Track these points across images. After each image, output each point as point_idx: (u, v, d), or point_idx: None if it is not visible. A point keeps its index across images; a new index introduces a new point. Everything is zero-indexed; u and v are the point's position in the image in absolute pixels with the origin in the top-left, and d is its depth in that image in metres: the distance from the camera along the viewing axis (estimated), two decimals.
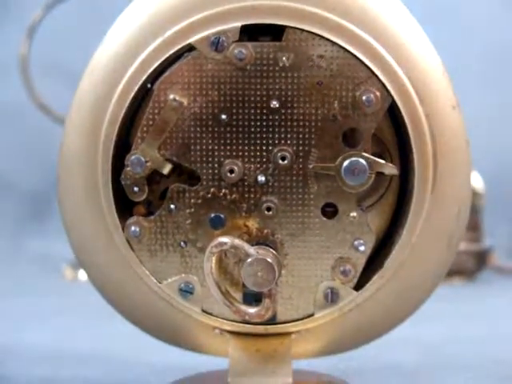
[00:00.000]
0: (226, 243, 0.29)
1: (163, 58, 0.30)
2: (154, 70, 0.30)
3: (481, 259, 0.78)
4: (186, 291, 0.31)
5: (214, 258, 0.29)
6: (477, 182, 0.81)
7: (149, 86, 0.31)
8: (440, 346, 0.47)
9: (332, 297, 0.31)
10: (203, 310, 0.32)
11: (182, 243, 0.31)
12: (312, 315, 0.32)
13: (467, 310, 0.60)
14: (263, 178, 0.30)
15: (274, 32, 0.30)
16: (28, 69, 0.84)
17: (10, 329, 0.56)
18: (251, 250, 0.29)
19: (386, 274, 0.32)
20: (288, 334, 0.33)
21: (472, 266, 0.76)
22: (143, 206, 0.32)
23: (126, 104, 0.30)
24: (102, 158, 0.31)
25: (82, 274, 0.81)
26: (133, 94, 0.30)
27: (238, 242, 0.29)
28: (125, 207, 0.32)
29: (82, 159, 0.32)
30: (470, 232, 0.76)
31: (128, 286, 0.33)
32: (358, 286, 0.31)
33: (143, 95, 0.31)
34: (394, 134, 0.31)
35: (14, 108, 1.02)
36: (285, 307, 0.32)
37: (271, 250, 0.30)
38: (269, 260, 0.28)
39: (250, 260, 0.28)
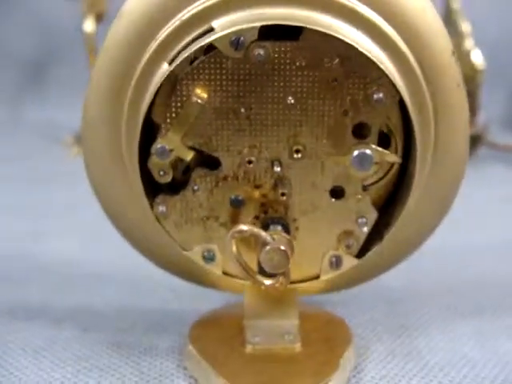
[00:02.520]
0: (245, 231, 0.33)
1: (183, 43, 0.32)
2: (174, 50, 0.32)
3: (476, 141, 0.81)
4: (209, 258, 0.36)
5: (234, 241, 0.33)
6: (477, 58, 0.82)
7: (167, 66, 0.32)
8: (428, 260, 0.52)
9: (336, 263, 0.36)
10: (224, 272, 0.36)
11: (204, 218, 0.35)
12: (318, 277, 0.36)
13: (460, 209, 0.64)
14: (278, 168, 0.33)
15: (292, 29, 0.32)
16: None
17: (16, 231, 0.60)
18: (268, 237, 0.33)
19: (385, 242, 0.36)
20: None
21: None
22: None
23: (148, 93, 0.32)
24: (127, 143, 0.34)
25: None
26: (155, 77, 0.32)
27: (256, 229, 0.33)
28: (152, 184, 0.35)
29: (106, 134, 0.35)
30: None
31: (158, 246, 0.37)
32: (360, 254, 0.36)
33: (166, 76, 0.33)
34: (400, 115, 0.34)
35: None
36: (294, 271, 0.36)
37: (285, 233, 0.33)
38: (283, 248, 0.32)
39: (267, 248, 0.32)
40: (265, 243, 0.33)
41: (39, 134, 0.92)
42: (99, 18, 0.86)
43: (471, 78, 0.81)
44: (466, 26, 0.82)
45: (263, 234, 0.33)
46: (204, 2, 0.32)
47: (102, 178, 0.36)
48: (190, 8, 0.32)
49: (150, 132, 0.33)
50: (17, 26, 1.03)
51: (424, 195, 0.36)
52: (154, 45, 0.33)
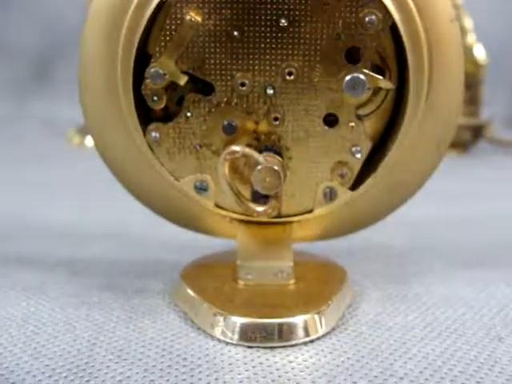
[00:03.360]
0: (237, 151, 0.32)
1: None
2: None
3: (477, 132, 0.81)
4: (201, 188, 0.35)
5: (227, 164, 0.33)
6: (480, 53, 0.82)
7: None
8: (429, 226, 0.51)
9: (330, 195, 0.35)
10: (216, 205, 0.36)
11: (197, 146, 0.35)
12: (312, 210, 0.36)
13: (459, 186, 0.64)
14: (271, 91, 0.33)
15: None
16: None
17: (17, 202, 0.60)
18: (260, 158, 0.32)
19: (379, 175, 0.35)
20: (289, 223, 0.37)
21: (468, 138, 0.79)
22: (161, 110, 0.35)
23: (142, 20, 0.33)
24: (122, 67, 0.34)
25: (90, 140, 0.82)
26: (149, 8, 0.33)
27: (248, 150, 0.32)
28: (144, 110, 0.35)
29: (102, 66, 0.35)
30: (468, 106, 0.78)
31: (147, 178, 0.37)
32: (354, 186, 0.35)
33: (159, 6, 0.33)
34: (394, 48, 0.34)
35: None
36: (288, 203, 0.36)
37: (277, 156, 0.33)
38: (275, 168, 0.32)
39: (259, 168, 0.32)
40: (257, 163, 0.32)
41: (43, 128, 0.92)
42: None
43: (474, 73, 0.81)
44: (468, 22, 0.82)
45: (256, 154, 0.32)
46: None
47: (97, 115, 0.36)
48: None
49: (146, 65, 0.33)
50: (22, 22, 1.05)
51: (419, 131, 0.35)
52: None
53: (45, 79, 1.04)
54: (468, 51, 0.81)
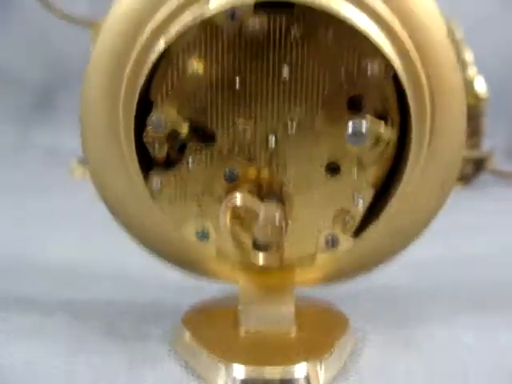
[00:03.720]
0: (239, 200, 0.32)
1: (180, 18, 0.33)
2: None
3: (479, 164, 0.81)
4: (203, 236, 0.35)
5: (228, 212, 0.33)
6: (481, 86, 0.83)
7: (163, 42, 0.32)
8: (432, 265, 0.51)
9: (332, 242, 0.35)
10: (217, 252, 0.36)
11: (199, 194, 0.35)
12: (313, 257, 0.36)
13: (462, 220, 0.64)
14: (273, 140, 0.33)
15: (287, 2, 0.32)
16: None
17: (17, 236, 0.60)
18: (262, 207, 0.32)
19: (382, 222, 0.35)
20: (291, 268, 0.37)
21: (469, 171, 0.79)
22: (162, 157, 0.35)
23: (146, 64, 0.33)
24: (123, 113, 0.34)
25: None
26: (153, 54, 0.33)
27: (250, 199, 0.32)
28: (145, 155, 0.35)
29: (104, 112, 0.35)
30: (470, 138, 0.78)
31: (148, 221, 0.37)
32: (356, 233, 0.35)
33: (161, 54, 0.33)
34: (396, 96, 0.34)
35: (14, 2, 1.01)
36: (290, 249, 0.35)
37: (279, 204, 0.33)
38: (277, 218, 0.32)
39: (260, 218, 0.32)
40: (259, 213, 0.32)
41: (46, 158, 0.93)
42: None
43: (475, 106, 0.81)
44: (468, 55, 0.83)
45: (257, 204, 0.32)
46: None
47: (98, 155, 0.36)
48: None
49: (147, 112, 0.33)
50: (25, 51, 1.05)
51: (421, 177, 0.35)
52: (152, 22, 0.33)
53: (48, 109, 1.04)
54: (469, 84, 0.81)
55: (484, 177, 0.83)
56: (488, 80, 0.83)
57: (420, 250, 0.40)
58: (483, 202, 0.72)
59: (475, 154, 0.79)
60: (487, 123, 0.83)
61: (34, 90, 1.05)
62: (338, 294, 0.42)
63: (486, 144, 0.84)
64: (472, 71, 0.82)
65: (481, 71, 0.83)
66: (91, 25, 0.84)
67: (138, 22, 0.34)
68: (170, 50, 0.32)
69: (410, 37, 0.33)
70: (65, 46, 1.01)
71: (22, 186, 0.79)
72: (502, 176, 0.84)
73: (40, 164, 0.91)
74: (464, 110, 0.35)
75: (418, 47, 0.33)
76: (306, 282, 0.39)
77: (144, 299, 0.44)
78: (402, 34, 0.33)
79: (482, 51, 0.83)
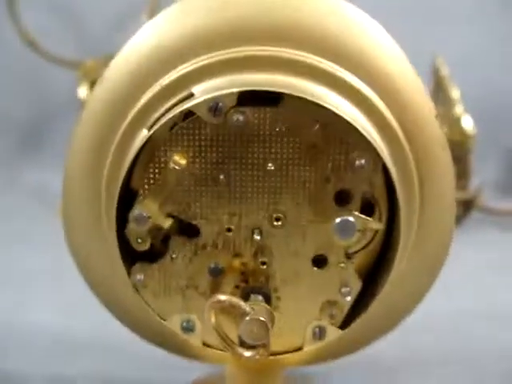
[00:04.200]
0: (224, 301, 0.31)
1: (163, 109, 0.32)
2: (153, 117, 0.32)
3: (468, 205, 0.80)
4: (188, 328, 0.34)
5: (213, 312, 0.32)
6: (468, 124, 0.82)
7: (146, 131, 0.32)
8: (419, 332, 0.50)
9: (320, 334, 0.34)
10: (204, 343, 0.35)
11: (183, 287, 0.34)
12: (301, 348, 0.35)
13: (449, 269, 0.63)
14: (258, 236, 0.33)
15: (272, 95, 0.31)
16: (16, 2, 0.82)
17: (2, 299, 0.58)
18: (247, 308, 0.31)
19: (370, 312, 0.34)
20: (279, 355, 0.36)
21: (459, 213, 0.78)
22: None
23: (125, 163, 0.32)
24: (105, 205, 0.33)
25: None
26: (134, 144, 0.32)
27: (234, 300, 0.31)
28: (130, 250, 0.34)
29: (85, 204, 0.34)
30: (458, 180, 0.78)
31: (134, 307, 0.36)
32: (344, 324, 0.34)
33: (145, 142, 0.32)
34: (384, 181, 0.33)
35: (2, 43, 1.00)
36: (276, 342, 0.34)
37: (265, 303, 0.32)
38: (263, 319, 0.31)
39: (246, 319, 0.31)
40: (244, 314, 0.31)
41: (34, 198, 0.92)
42: (94, 85, 0.86)
43: (462, 144, 0.81)
44: (455, 93, 0.82)
45: (242, 304, 0.32)
46: (184, 68, 0.32)
47: (81, 244, 0.35)
48: (170, 74, 0.32)
49: (130, 200, 0.32)
50: (13, 90, 1.04)
51: (410, 262, 0.35)
52: (134, 110, 0.32)
53: (34, 147, 1.03)
54: (456, 122, 0.81)
55: (473, 214, 0.83)
56: (474, 114, 0.83)
57: None
58: (475, 246, 0.71)
59: (464, 195, 0.78)
60: (476, 158, 0.83)
61: (21, 129, 1.04)
62: (323, 367, 0.41)
63: (475, 180, 0.83)
64: (459, 109, 0.82)
65: (466, 104, 0.83)
66: (78, 65, 0.83)
67: (118, 112, 0.33)
68: (152, 139, 0.32)
69: (397, 118, 0.33)
70: (51, 85, 0.99)
71: (6, 235, 0.78)
72: (492, 213, 0.84)
73: (26, 205, 0.90)
74: (453, 188, 0.35)
75: (405, 129, 0.33)
76: (294, 364, 0.38)
77: (134, 375, 0.43)
78: (390, 118, 0.32)
79: (467, 85, 0.83)
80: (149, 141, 0.31)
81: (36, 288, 0.61)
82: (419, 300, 0.37)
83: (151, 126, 0.32)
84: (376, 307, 0.35)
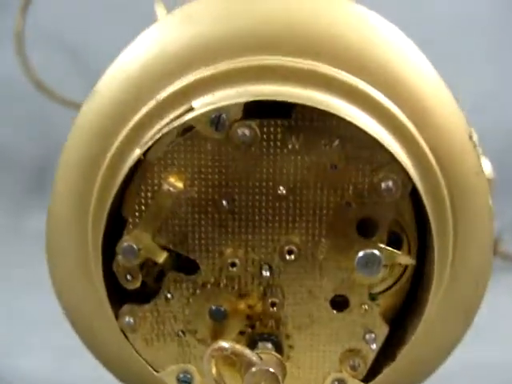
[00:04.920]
0: (226, 349, 0.27)
1: (158, 126, 0.27)
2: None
3: None
4: (185, 381, 0.29)
5: (213, 361, 0.27)
6: (486, 167, 0.78)
7: (139, 151, 0.27)
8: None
9: None
10: None
11: (179, 333, 0.29)
12: None
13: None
14: (267, 273, 0.28)
15: (282, 108, 0.27)
16: (23, 43, 0.80)
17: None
18: (254, 357, 0.26)
19: (398, 364, 0.29)
20: None
21: None
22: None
23: (116, 182, 0.28)
24: (92, 235, 0.29)
25: None
26: (122, 169, 0.28)
27: (239, 347, 0.27)
28: (120, 289, 0.29)
29: (71, 230, 0.30)
30: None
31: (128, 364, 0.31)
32: (368, 377, 0.29)
33: (136, 164, 0.28)
34: (412, 209, 0.29)
35: (9, 83, 0.98)
36: None
37: (275, 352, 0.27)
38: (272, 370, 0.26)
39: (253, 370, 0.26)
40: (251, 364, 0.26)
41: (40, 243, 0.88)
42: None
43: None
44: (473, 135, 0.78)
45: (248, 352, 0.27)
46: (183, 81, 0.28)
47: (66, 286, 0.31)
48: (167, 87, 0.28)
49: (120, 231, 0.28)
50: (20, 133, 1.02)
51: (443, 303, 0.30)
52: (126, 128, 0.28)
53: (42, 192, 1.00)
54: None
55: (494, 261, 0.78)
56: (492, 157, 0.79)
57: None
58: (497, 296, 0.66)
59: None
60: (495, 203, 0.78)
61: (29, 172, 1.01)
62: None
63: (495, 225, 0.79)
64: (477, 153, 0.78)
65: (484, 147, 0.79)
66: None
67: (107, 132, 0.29)
68: (145, 160, 0.27)
69: (426, 141, 0.28)
70: (58, 127, 0.97)
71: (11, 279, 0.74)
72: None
73: (31, 249, 0.86)
74: (490, 215, 0.30)
75: (435, 151, 0.28)
76: None
77: None
78: (417, 137, 0.28)
79: (485, 128, 0.79)
80: (142, 162, 0.27)
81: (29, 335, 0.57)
82: (450, 351, 0.32)
83: (145, 145, 0.27)
84: (403, 359, 0.30)
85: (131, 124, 0.28)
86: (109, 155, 0.28)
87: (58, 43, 0.96)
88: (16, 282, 0.71)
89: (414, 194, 0.27)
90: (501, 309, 0.62)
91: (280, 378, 0.26)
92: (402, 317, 0.30)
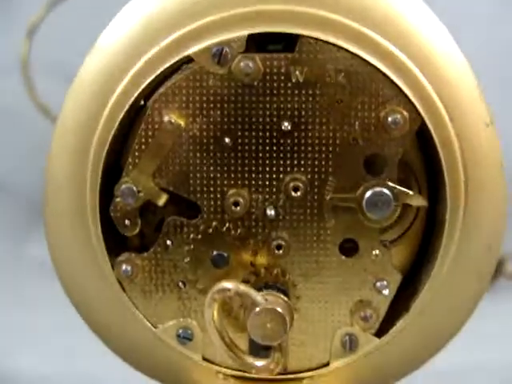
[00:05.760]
0: (229, 289, 0.25)
1: (158, 72, 0.27)
2: (149, 84, 0.27)
3: (496, 270, 0.74)
4: (185, 337, 0.28)
5: (216, 305, 0.25)
6: None
7: (142, 103, 0.27)
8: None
9: (350, 344, 0.28)
10: (204, 358, 0.28)
11: (179, 284, 0.27)
12: (327, 364, 0.28)
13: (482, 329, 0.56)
14: (272, 212, 0.27)
15: (286, 41, 0.26)
16: (28, 69, 0.81)
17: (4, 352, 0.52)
18: (259, 297, 0.25)
19: (412, 316, 0.28)
20: (299, 379, 0.29)
21: None
22: (136, 238, 0.28)
23: (116, 124, 0.27)
24: (90, 186, 0.27)
25: None
26: (124, 112, 0.27)
27: (243, 287, 0.25)
28: (118, 239, 0.28)
29: (69, 186, 0.28)
30: None
31: (122, 326, 0.29)
32: (380, 331, 0.28)
33: (136, 114, 0.27)
34: (421, 158, 0.28)
35: (14, 109, 0.99)
36: (297, 355, 0.28)
37: (281, 295, 0.26)
38: (279, 310, 0.25)
39: (257, 310, 0.25)
40: (255, 305, 0.25)
41: (40, 271, 0.87)
42: None
43: None
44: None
45: (253, 292, 0.25)
46: (186, 28, 0.27)
47: (60, 237, 0.29)
48: (168, 37, 0.27)
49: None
50: (19, 161, 1.02)
51: (455, 263, 0.28)
52: (125, 78, 0.27)
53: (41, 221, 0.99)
54: None
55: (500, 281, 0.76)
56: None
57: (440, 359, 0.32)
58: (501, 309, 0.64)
59: None
60: None
61: (28, 201, 1.01)
62: None
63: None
64: None
65: None
66: None
67: (108, 83, 0.28)
68: (145, 103, 0.26)
69: (437, 92, 0.27)
70: None
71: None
72: None
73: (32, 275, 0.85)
74: (501, 174, 0.29)
75: (445, 103, 0.27)
76: None
77: None
78: (428, 88, 0.27)
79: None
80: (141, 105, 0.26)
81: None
82: (464, 319, 0.30)
83: (144, 93, 0.26)
84: (416, 321, 0.28)
85: (132, 72, 0.27)
86: (107, 108, 0.27)
87: (63, 71, 0.97)
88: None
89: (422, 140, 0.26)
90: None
91: (287, 319, 0.25)
92: (415, 272, 0.29)
